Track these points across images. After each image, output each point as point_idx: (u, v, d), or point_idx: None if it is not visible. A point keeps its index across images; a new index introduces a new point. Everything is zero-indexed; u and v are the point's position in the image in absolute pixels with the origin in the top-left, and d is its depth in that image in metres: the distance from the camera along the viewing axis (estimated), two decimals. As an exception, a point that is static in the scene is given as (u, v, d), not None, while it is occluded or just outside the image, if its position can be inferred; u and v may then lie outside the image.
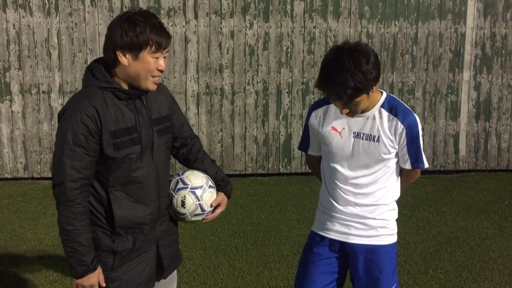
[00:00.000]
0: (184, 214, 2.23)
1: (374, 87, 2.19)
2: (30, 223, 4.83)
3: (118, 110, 2.05)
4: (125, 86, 2.08)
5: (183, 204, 2.19)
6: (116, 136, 2.04)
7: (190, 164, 2.37)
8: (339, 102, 2.16)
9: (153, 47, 2.02)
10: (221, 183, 2.36)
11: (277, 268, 3.98)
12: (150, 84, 2.08)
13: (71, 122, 1.99)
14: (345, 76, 2.05)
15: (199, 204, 2.21)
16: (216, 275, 3.87)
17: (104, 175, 2.07)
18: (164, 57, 2.08)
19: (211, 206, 2.26)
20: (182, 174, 2.25)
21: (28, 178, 6.05)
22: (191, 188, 2.20)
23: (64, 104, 2.12)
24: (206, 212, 2.25)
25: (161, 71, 2.08)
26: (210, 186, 2.26)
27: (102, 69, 2.06)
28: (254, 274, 3.89)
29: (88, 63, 5.77)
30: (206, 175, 2.29)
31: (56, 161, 2.02)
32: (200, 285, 3.74)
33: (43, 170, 6.04)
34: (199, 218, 2.25)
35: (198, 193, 2.21)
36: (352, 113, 2.23)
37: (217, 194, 2.30)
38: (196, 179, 2.24)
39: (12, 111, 5.94)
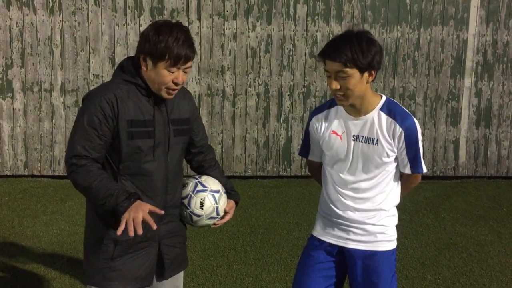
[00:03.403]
0: (200, 216, 2.28)
1: (369, 78, 2.21)
2: (29, 220, 4.83)
3: (139, 102, 2.14)
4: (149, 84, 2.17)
5: (201, 205, 2.25)
6: (132, 125, 2.11)
7: (203, 171, 2.44)
8: (331, 68, 2.19)
9: (170, 61, 2.07)
10: (231, 192, 2.44)
11: (276, 270, 3.99)
12: (164, 94, 2.15)
13: (89, 105, 2.09)
14: (346, 45, 2.17)
15: (216, 207, 2.27)
16: (214, 277, 3.88)
17: (115, 163, 2.14)
18: (185, 72, 2.12)
19: (224, 211, 2.33)
20: (200, 178, 2.33)
21: (28, 176, 6.05)
22: (210, 191, 2.27)
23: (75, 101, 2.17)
24: (219, 217, 2.31)
25: (176, 83, 2.12)
26: (225, 192, 2.35)
27: (130, 65, 2.16)
28: (252, 276, 3.89)
29: (91, 61, 5.83)
30: (219, 182, 2.38)
31: (69, 139, 2.12)
32: (199, 286, 3.74)
33: (43, 168, 6.05)
34: (212, 222, 2.31)
35: (216, 196, 2.28)
36: (342, 94, 2.22)
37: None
38: (214, 183, 2.32)
39: (13, 109, 5.94)
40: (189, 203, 2.27)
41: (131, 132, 2.11)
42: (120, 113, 2.08)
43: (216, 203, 2.27)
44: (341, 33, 2.26)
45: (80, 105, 2.18)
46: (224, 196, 2.32)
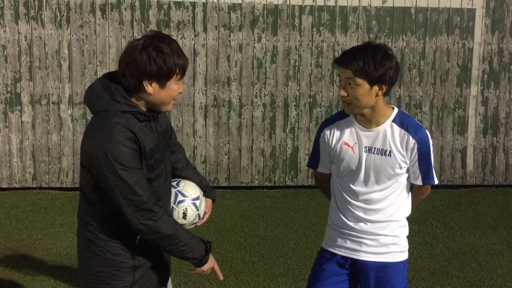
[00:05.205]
0: (183, 225, 2.28)
1: (379, 92, 2.23)
2: (38, 233, 4.85)
3: (143, 132, 2.04)
4: (143, 108, 2.08)
5: (184, 216, 2.24)
6: (150, 157, 2.05)
7: (177, 172, 2.40)
8: (343, 75, 2.23)
9: (179, 74, 2.04)
10: (207, 190, 2.42)
11: (284, 281, 3.98)
12: (170, 107, 2.11)
13: (119, 151, 1.94)
14: (360, 55, 2.20)
15: (198, 214, 2.27)
16: (222, 288, 3.87)
17: None
18: None
19: (204, 213, 2.34)
20: (177, 185, 2.30)
21: (36, 188, 6.08)
22: (191, 200, 2.26)
23: (88, 132, 2.03)
24: (199, 220, 2.32)
25: (180, 92, 2.10)
26: (203, 195, 2.34)
27: (122, 91, 2.01)
28: (260, 288, 3.89)
29: (98, 74, 5.87)
30: (196, 184, 2.36)
31: (128, 195, 1.97)
32: (207, 298, 3.74)
33: (51, 180, 6.08)
34: (193, 226, 2.32)
35: (197, 204, 2.28)
36: (348, 102, 2.24)
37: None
38: (193, 189, 2.30)
39: (22, 121, 6.00)
40: (171, 214, 2.25)
41: (151, 164, 2.06)
42: (142, 148, 2.01)
43: (198, 210, 2.27)
44: (364, 43, 2.30)
45: (94, 154, 1.97)
46: (204, 200, 2.33)
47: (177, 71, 2.01)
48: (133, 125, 2.00)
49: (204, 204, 2.32)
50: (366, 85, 2.20)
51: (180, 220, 2.24)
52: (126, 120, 2.00)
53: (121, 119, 1.99)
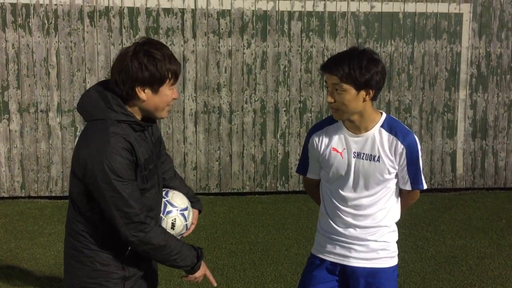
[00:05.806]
0: None
1: (366, 97, 2.22)
2: (26, 242, 4.79)
3: (138, 142, 2.02)
4: (138, 117, 2.05)
5: (173, 226, 2.22)
6: (145, 168, 2.03)
7: (165, 182, 2.38)
8: (329, 82, 2.23)
9: (172, 80, 2.02)
10: (193, 200, 2.40)
11: (276, 288, 3.96)
12: (165, 113, 2.08)
13: (115, 162, 1.92)
14: (345, 61, 2.20)
15: (186, 224, 2.26)
16: (214, 296, 3.84)
17: None
18: None
19: (192, 224, 2.32)
20: (166, 195, 2.28)
21: (24, 197, 6.02)
22: (179, 211, 2.24)
23: (81, 141, 2.00)
24: (187, 231, 2.31)
25: (174, 98, 2.07)
26: (191, 205, 2.33)
27: (119, 101, 1.99)
28: (252, 295, 3.86)
29: (87, 82, 5.84)
30: (183, 195, 2.34)
31: (121, 207, 1.95)
32: (198, 306, 3.71)
33: (40, 189, 6.02)
34: (180, 237, 2.30)
35: (185, 214, 2.26)
36: (335, 107, 2.25)
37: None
38: (181, 200, 2.28)
39: (10, 130, 5.94)
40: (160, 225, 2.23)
41: (145, 175, 2.04)
42: (137, 159, 1.99)
43: (186, 221, 2.25)
44: (349, 48, 2.29)
45: (89, 163, 1.93)
46: (191, 210, 2.31)
47: (170, 76, 1.99)
48: (129, 135, 1.98)
49: (191, 215, 2.30)
50: (352, 91, 2.20)
51: (168, 231, 2.21)
52: (123, 129, 1.97)
53: (118, 129, 1.96)
